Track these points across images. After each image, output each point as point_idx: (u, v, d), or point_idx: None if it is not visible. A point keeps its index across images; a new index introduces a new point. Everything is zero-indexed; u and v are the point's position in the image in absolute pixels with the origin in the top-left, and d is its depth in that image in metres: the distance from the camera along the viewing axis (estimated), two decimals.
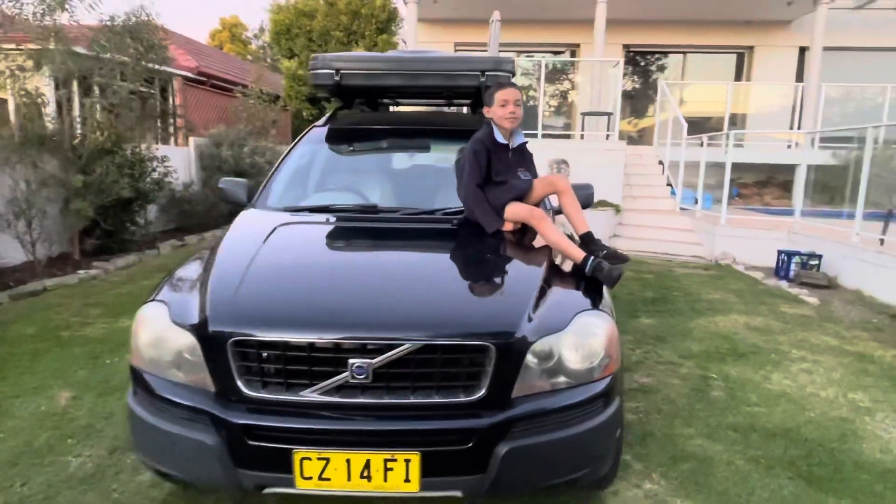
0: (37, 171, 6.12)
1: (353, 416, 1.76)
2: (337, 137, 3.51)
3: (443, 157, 3.45)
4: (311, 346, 1.76)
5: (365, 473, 1.71)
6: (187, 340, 1.85)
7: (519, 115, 2.56)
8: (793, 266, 6.56)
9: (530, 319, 1.84)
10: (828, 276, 6.32)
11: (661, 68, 13.79)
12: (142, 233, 7.52)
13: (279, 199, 3.02)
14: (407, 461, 1.70)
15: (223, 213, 9.68)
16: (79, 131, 6.73)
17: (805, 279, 6.34)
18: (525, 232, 2.58)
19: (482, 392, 1.77)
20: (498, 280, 2.01)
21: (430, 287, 2.01)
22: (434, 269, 2.23)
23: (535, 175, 2.70)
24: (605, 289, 2.23)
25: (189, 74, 12.09)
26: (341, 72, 3.43)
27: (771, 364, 3.99)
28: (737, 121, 12.79)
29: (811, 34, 11.54)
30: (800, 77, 12.79)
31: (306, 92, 14.50)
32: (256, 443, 1.73)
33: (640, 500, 2.44)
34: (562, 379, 1.87)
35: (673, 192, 9.98)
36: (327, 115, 3.75)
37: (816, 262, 6.49)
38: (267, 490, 1.82)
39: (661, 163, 10.72)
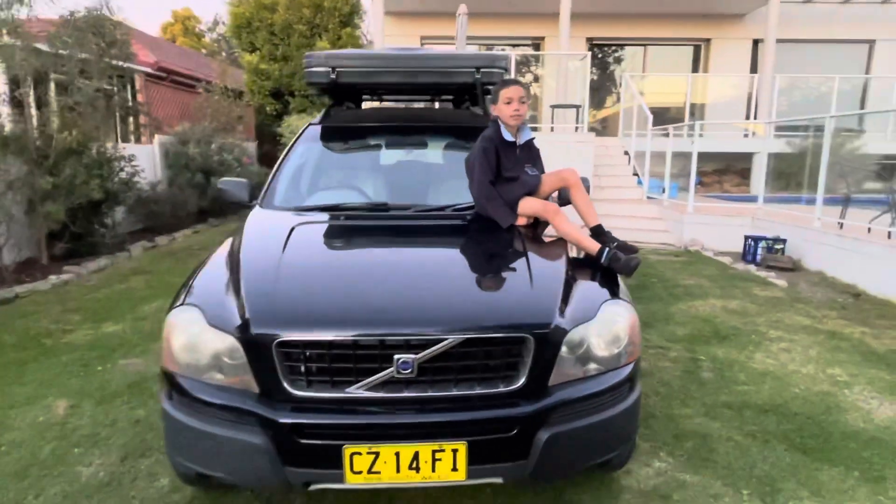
0: (0, 174, 5.87)
1: (399, 409, 1.81)
2: (336, 135, 3.51)
3: (444, 153, 3.50)
4: (356, 344, 1.80)
5: (413, 465, 1.77)
6: (228, 343, 1.86)
7: (523, 112, 2.64)
8: (759, 250, 6.88)
9: (562, 311, 1.93)
10: (792, 260, 6.65)
11: (622, 60, 14.11)
12: (111, 235, 7.30)
13: (286, 198, 3.02)
14: (454, 451, 1.76)
15: (192, 212, 9.48)
16: (42, 131, 6.47)
17: (771, 262, 6.66)
18: (536, 226, 2.67)
19: (521, 382, 1.84)
20: (526, 274, 2.08)
21: (464, 282, 2.07)
22: (461, 264, 2.28)
23: (542, 170, 2.79)
24: (619, 278, 2.34)
25: (149, 70, 11.72)
26: (338, 69, 3.44)
27: (752, 345, 4.20)
28: (696, 111, 13.22)
29: (764, 27, 12.02)
30: (753, 68, 13.30)
31: (269, 87, 14.27)
32: (307, 441, 1.76)
33: (652, 478, 2.57)
34: (592, 366, 1.96)
35: (639, 182, 10.27)
36: (322, 112, 3.74)
37: (781, 246, 6.82)
38: (314, 486, 1.85)
39: (626, 153, 11.01)
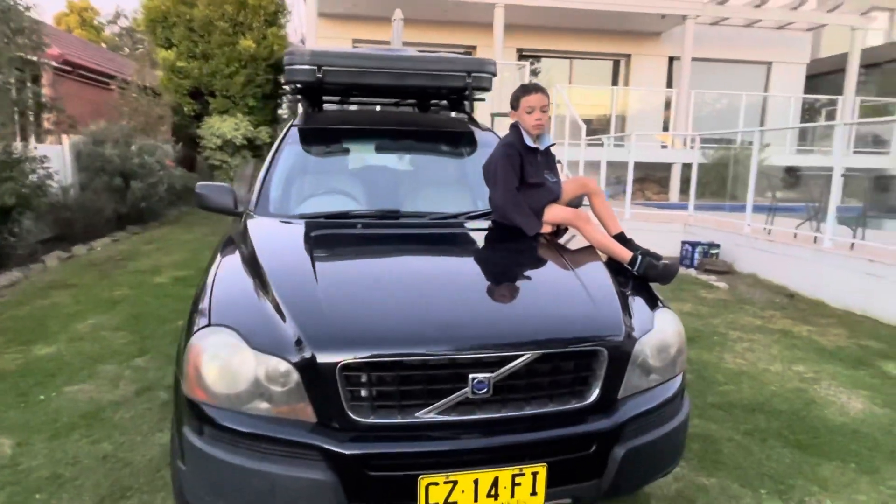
0: None
1: (472, 433, 1.69)
2: (325, 138, 3.31)
3: (436, 158, 3.38)
4: (427, 364, 1.66)
5: (492, 492, 1.65)
6: (279, 368, 1.65)
7: (545, 120, 2.59)
8: (697, 255, 7.28)
9: (626, 322, 1.89)
10: (727, 263, 7.09)
11: (548, 71, 14.55)
12: (22, 245, 6.51)
13: (284, 205, 2.79)
14: (534, 474, 1.66)
15: (109, 219, 8.68)
16: None
17: (708, 266, 7.07)
18: (557, 233, 2.62)
19: (594, 396, 1.78)
20: (580, 285, 2.02)
21: (524, 295, 1.98)
22: (510, 275, 2.19)
23: (558, 176, 2.75)
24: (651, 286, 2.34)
25: (53, 63, 10.65)
26: (324, 68, 3.24)
27: (718, 346, 4.40)
28: (617, 122, 13.87)
29: (678, 45, 12.86)
30: (669, 83, 14.17)
31: (188, 86, 13.41)
32: (377, 473, 1.60)
33: (672, 483, 2.59)
34: (654, 377, 1.93)
35: None
36: (301, 113, 3.51)
37: (716, 251, 7.26)
38: None
39: (559, 162, 11.31)
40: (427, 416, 1.66)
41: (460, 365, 1.67)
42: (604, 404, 1.79)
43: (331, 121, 3.54)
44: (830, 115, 14.72)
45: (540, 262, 2.36)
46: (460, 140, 3.45)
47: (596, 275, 2.14)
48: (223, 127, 13.21)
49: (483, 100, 4.21)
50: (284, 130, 3.34)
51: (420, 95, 3.98)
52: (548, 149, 2.70)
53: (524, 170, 2.54)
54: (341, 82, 3.34)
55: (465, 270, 2.25)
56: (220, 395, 1.71)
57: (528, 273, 2.26)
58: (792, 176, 11.02)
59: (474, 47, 13.25)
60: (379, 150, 3.36)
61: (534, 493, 1.68)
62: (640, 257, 2.35)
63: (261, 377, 1.67)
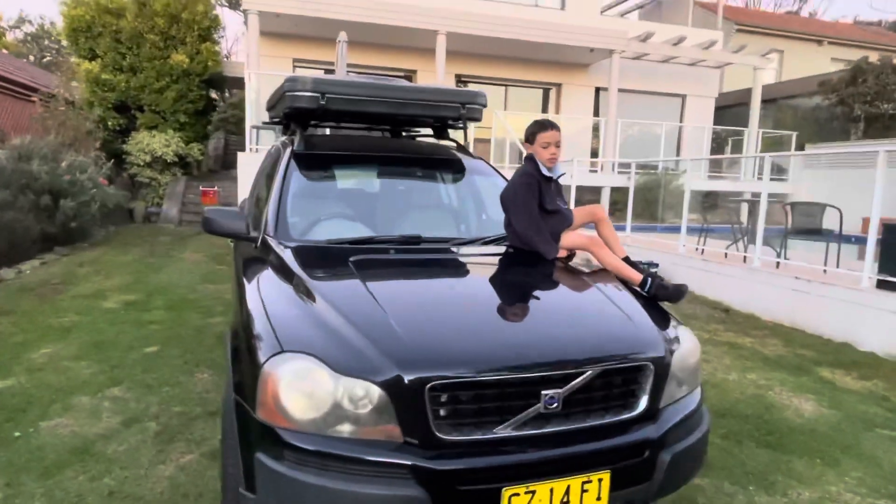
0: None
1: (544, 445, 1.82)
2: (331, 163, 3.36)
3: (439, 184, 3.52)
4: (503, 382, 1.79)
5: (565, 499, 1.79)
6: (367, 391, 1.72)
7: (559, 154, 2.81)
8: None
9: (664, 338, 2.11)
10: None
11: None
12: None
13: (305, 230, 2.82)
14: (600, 480, 1.83)
15: (35, 239, 8.09)
16: None
17: None
18: (568, 257, 2.83)
19: (643, 407, 1.97)
20: (615, 305, 2.23)
21: (575, 315, 2.15)
22: (554, 297, 2.36)
23: (567, 203, 2.96)
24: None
25: None
26: (327, 96, 3.31)
27: None
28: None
29: (605, 76, 13.75)
30: (596, 112, 15.09)
31: (113, 99, 12.76)
32: (466, 487, 1.70)
33: None
34: (684, 388, 2.16)
35: None
36: (297, 137, 3.52)
37: (656, 269, 7.79)
38: None
39: None
40: (504, 431, 1.79)
41: (533, 382, 1.82)
42: (652, 414, 1.99)
43: (331, 146, 3.59)
44: (736, 144, 16.18)
45: (573, 285, 2.55)
46: (457, 167, 3.61)
47: (622, 296, 2.36)
48: (153, 143, 12.68)
49: (464, 128, 4.42)
50: (286, 156, 3.34)
51: (412, 124, 4.11)
52: (559, 177, 2.91)
53: (542, 198, 2.74)
54: (343, 110, 3.42)
55: (510, 292, 2.40)
56: (302, 421, 1.75)
57: (567, 295, 2.44)
58: (710, 200, 12.02)
59: (415, 72, 13.52)
60: (384, 175, 3.46)
61: (599, 497, 1.84)
62: (649, 279, 2.60)
63: (345, 400, 1.74)
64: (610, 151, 13.31)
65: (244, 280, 2.53)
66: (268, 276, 2.39)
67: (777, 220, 8.29)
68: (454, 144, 3.98)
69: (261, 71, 10.59)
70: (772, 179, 14.91)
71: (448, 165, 3.63)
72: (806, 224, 6.36)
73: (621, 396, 1.96)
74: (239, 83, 16.97)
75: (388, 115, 3.66)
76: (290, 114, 3.68)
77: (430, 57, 12.75)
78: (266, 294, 2.21)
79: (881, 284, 5.19)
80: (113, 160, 10.92)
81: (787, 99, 17.42)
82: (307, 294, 2.12)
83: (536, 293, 2.44)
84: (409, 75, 13.67)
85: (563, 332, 2.00)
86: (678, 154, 15.45)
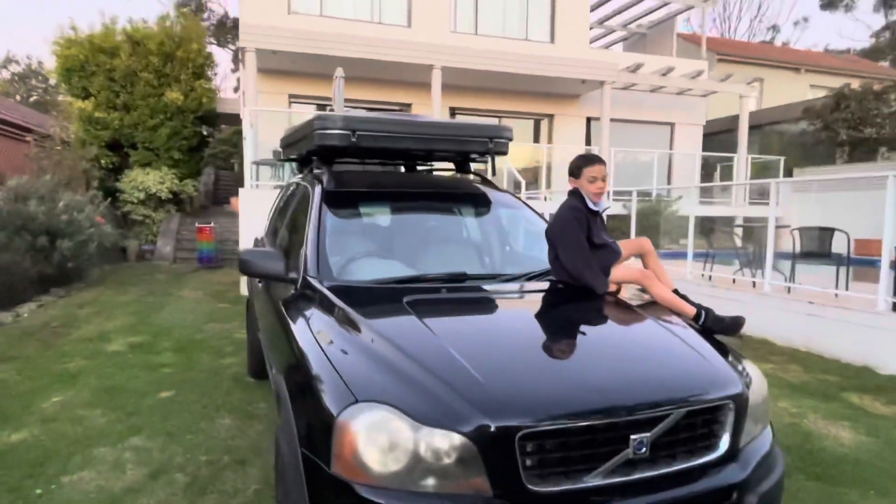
0: None
1: (633, 493, 1.75)
2: (364, 200, 3.32)
3: (473, 219, 3.48)
4: (592, 428, 1.72)
5: None
6: (453, 442, 1.64)
7: (606, 187, 2.79)
8: None
9: (740, 375, 2.06)
10: None
11: None
12: None
13: (346, 270, 2.75)
14: None
15: (32, 280, 7.89)
16: None
17: None
18: (616, 291, 2.78)
19: (725, 448, 1.91)
20: (683, 342, 2.18)
21: (648, 354, 2.10)
22: (623, 335, 2.30)
23: (611, 237, 2.94)
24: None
25: None
26: (358, 133, 3.29)
27: None
28: (545, 176, 14.67)
29: (597, 106, 13.98)
30: (588, 141, 15.28)
31: (106, 137, 12.69)
32: None
33: None
34: (759, 425, 2.10)
35: None
36: (326, 175, 3.47)
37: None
38: None
39: None
40: (594, 479, 1.71)
41: (620, 427, 1.75)
42: (731, 454, 1.92)
43: (361, 183, 3.55)
44: (725, 170, 16.44)
45: (636, 322, 2.49)
46: (486, 201, 3.58)
47: (689, 333, 2.31)
48: (147, 180, 12.59)
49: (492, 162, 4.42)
50: (312, 192, 3.28)
51: (436, 159, 4.10)
52: (603, 211, 2.89)
53: (590, 232, 2.71)
54: (374, 147, 3.39)
55: (578, 331, 2.35)
56: (383, 475, 1.66)
57: (635, 333, 2.38)
58: (708, 225, 12.14)
59: (410, 105, 13.64)
60: (418, 211, 3.41)
61: None
62: (703, 312, 2.56)
63: (427, 452, 1.65)
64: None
65: (291, 324, 2.45)
66: (321, 319, 2.31)
67: (777, 245, 8.37)
68: (479, 178, 3.96)
69: (259, 107, 10.58)
70: (761, 204, 15.21)
71: (478, 199, 3.60)
72: (814, 248, 6.41)
73: (704, 437, 1.90)
74: (230, 119, 17.02)
75: (417, 151, 3.64)
76: (317, 151, 3.66)
77: (424, 90, 12.87)
78: (324, 339, 2.13)
79: None
80: (109, 199, 10.79)
81: (771, 125, 17.83)
82: (369, 338, 2.05)
83: (604, 332, 2.39)
84: (404, 108, 13.79)
85: (645, 374, 1.95)
86: (669, 181, 15.66)
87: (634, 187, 12.34)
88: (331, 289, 2.50)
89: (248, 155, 9.39)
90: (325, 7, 13.01)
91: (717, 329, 2.54)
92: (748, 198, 14.83)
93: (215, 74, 14.53)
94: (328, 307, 2.37)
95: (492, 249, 3.29)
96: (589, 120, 15.27)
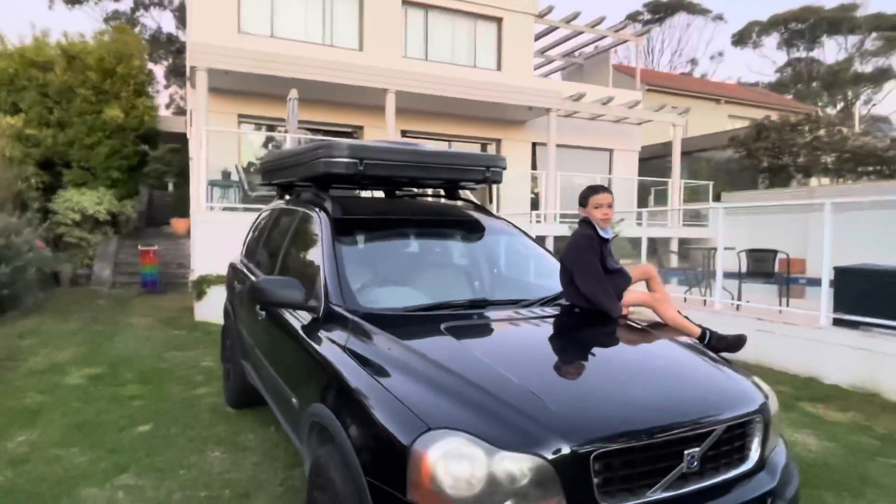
0: None
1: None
2: (373, 227, 3.36)
3: (476, 245, 3.59)
4: (653, 445, 1.85)
5: None
6: (532, 465, 1.71)
7: (611, 214, 2.98)
8: None
9: (762, 389, 2.26)
10: None
11: None
12: None
13: (370, 297, 2.77)
14: None
15: None
16: None
17: None
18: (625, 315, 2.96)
19: (756, 458, 2.09)
20: (707, 359, 2.36)
21: (685, 372, 2.26)
22: (651, 355, 2.45)
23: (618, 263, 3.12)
24: None
25: None
26: (365, 161, 3.35)
27: None
28: (495, 196, 15.03)
29: (542, 132, 14.55)
30: (534, 165, 15.82)
31: (38, 155, 11.95)
32: None
33: None
34: (776, 436, 2.31)
35: None
36: (330, 202, 3.48)
37: None
38: None
39: None
40: (656, 494, 1.84)
41: (676, 443, 1.89)
42: (762, 464, 2.11)
43: (366, 211, 3.59)
44: (659, 194, 17.42)
45: (659, 343, 2.64)
46: (485, 227, 3.71)
47: (705, 351, 2.51)
48: (83, 200, 11.94)
49: (475, 189, 4.56)
50: (316, 219, 3.28)
51: (431, 186, 4.19)
52: (610, 239, 3.08)
53: (603, 258, 2.89)
54: (379, 175, 3.45)
55: (614, 354, 2.49)
56: (463, 499, 1.71)
57: (662, 353, 2.52)
58: (652, 246, 12.79)
59: (361, 128, 13.68)
60: (426, 237, 3.48)
61: None
62: (707, 332, 2.77)
63: (506, 476, 1.72)
64: (552, 203, 13.92)
65: (323, 353, 2.46)
66: (362, 347, 2.33)
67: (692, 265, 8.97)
68: (472, 205, 4.08)
69: (215, 127, 10.31)
70: (693, 225, 16.21)
71: (479, 226, 3.71)
72: (759, 268, 6.94)
73: (738, 450, 2.07)
74: (168, 137, 16.44)
75: (420, 179, 3.73)
76: (314, 178, 3.67)
77: (375, 113, 12.96)
78: (373, 368, 2.16)
79: (837, 322, 5.73)
80: (48, 220, 10.15)
81: (699, 152, 19.09)
82: (421, 365, 2.10)
83: (636, 353, 2.54)
84: (356, 131, 13.82)
85: (689, 393, 2.10)
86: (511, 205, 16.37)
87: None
88: (364, 317, 2.52)
89: (202, 175, 9.12)
90: (276, 28, 12.93)
91: (721, 347, 2.76)
92: (682, 220, 15.76)
93: (157, 92, 14.02)
94: (366, 335, 2.39)
95: (501, 275, 3.41)
96: (534, 145, 15.83)
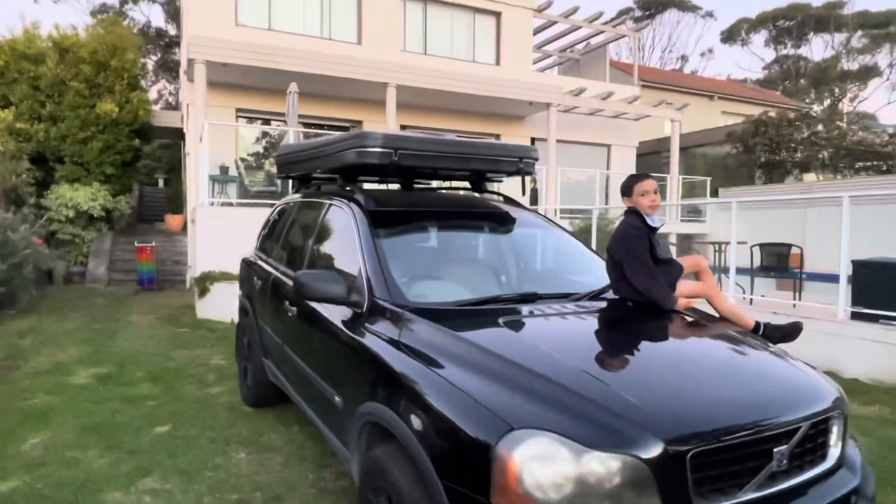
0: None
1: (779, 503, 1.81)
2: (412, 220, 3.25)
3: (515, 238, 3.49)
4: (746, 444, 1.77)
5: None
6: (627, 465, 1.62)
7: (658, 201, 2.89)
8: None
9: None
10: None
11: None
12: None
13: (417, 292, 2.65)
14: None
15: None
16: None
17: None
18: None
19: (837, 455, 2.01)
20: (777, 354, 2.29)
21: (765, 368, 2.18)
22: (723, 350, 2.37)
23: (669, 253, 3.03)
24: None
25: None
26: (400, 152, 3.23)
27: None
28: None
29: (541, 127, 14.48)
30: None
31: (30, 150, 11.67)
32: None
33: None
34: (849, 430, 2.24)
35: None
36: (360, 195, 3.36)
37: None
38: None
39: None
40: (746, 494, 1.76)
41: (765, 441, 1.81)
42: (842, 461, 2.03)
43: (400, 203, 3.47)
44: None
45: (724, 337, 2.53)
46: (520, 220, 3.60)
47: (766, 345, 2.43)
48: (77, 196, 11.69)
49: (500, 181, 4.47)
50: (349, 211, 3.17)
51: (460, 178, 4.08)
52: (658, 228, 2.99)
53: (653, 248, 2.80)
54: (413, 165, 3.34)
55: (684, 349, 2.40)
56: (552, 502, 1.62)
57: (732, 348, 2.43)
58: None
59: (360, 122, 13.50)
60: (464, 230, 3.38)
61: None
62: (762, 323, 2.70)
63: (597, 477, 1.63)
64: (552, 198, 13.86)
65: (374, 349, 2.35)
66: (420, 342, 2.21)
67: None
68: (502, 198, 3.98)
69: (216, 121, 10.10)
70: (692, 221, 16.25)
71: (512, 219, 3.61)
72: (773, 263, 6.91)
73: (821, 447, 2.00)
74: (161, 132, 16.16)
75: (454, 170, 3.63)
76: (342, 169, 3.56)
77: (374, 108, 12.83)
78: (439, 365, 2.05)
79: (855, 316, 5.71)
80: (44, 216, 9.90)
81: (695, 147, 19.13)
82: (491, 362, 2.00)
83: (704, 348, 2.44)
84: (355, 125, 13.64)
85: (773, 390, 2.03)
86: (607, 199, 16.38)
87: (577, 205, 12.87)
88: (416, 312, 2.41)
89: (204, 170, 8.92)
90: (273, 21, 12.72)
91: (777, 337, 2.68)
92: (680, 216, 15.77)
93: (149, 86, 13.76)
94: (422, 331, 2.28)
95: (544, 269, 3.31)
96: (533, 140, 15.73)
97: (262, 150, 13.10)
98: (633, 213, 2.90)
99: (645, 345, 2.46)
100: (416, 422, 1.95)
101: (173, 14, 28.88)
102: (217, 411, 4.47)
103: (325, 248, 3.45)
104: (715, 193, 16.40)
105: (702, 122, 21.74)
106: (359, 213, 3.14)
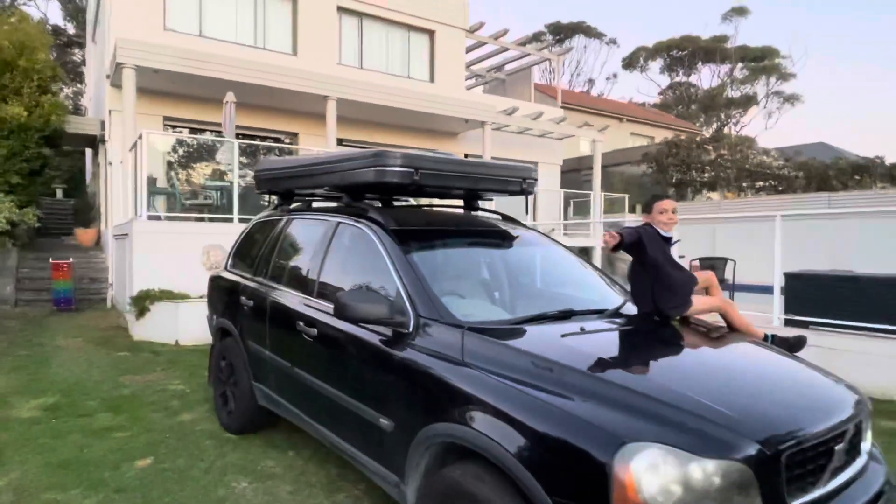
0: None
1: (841, 495, 2.02)
2: (437, 239, 3.27)
3: (538, 257, 3.61)
4: (821, 443, 1.97)
5: None
6: (729, 469, 1.75)
7: (676, 219, 3.12)
8: None
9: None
10: None
11: None
12: None
13: (461, 311, 2.67)
14: None
15: None
16: None
17: None
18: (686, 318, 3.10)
19: (867, 449, 2.27)
20: (804, 363, 2.54)
21: (802, 374, 2.41)
22: (765, 358, 2.58)
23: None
24: None
25: None
26: (421, 171, 3.27)
27: None
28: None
29: (475, 144, 14.86)
30: None
31: None
32: None
33: None
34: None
35: None
36: (378, 214, 3.33)
37: None
38: None
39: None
40: (818, 489, 1.95)
41: (831, 440, 2.02)
42: (870, 458, 2.30)
43: (418, 222, 3.48)
44: (578, 206, 18.34)
45: (757, 348, 2.73)
46: (530, 239, 3.74)
47: (792, 354, 2.69)
48: None
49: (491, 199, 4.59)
50: (368, 230, 3.16)
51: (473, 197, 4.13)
52: (673, 242, 3.20)
53: (666, 253, 3.02)
54: (430, 184, 3.38)
55: (735, 358, 2.61)
56: None
57: (773, 358, 2.63)
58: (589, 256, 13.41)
59: (296, 134, 13.21)
60: (480, 247, 3.45)
61: None
62: (769, 335, 2.98)
63: (707, 482, 1.75)
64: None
65: (436, 371, 2.37)
66: (493, 362, 2.24)
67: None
68: (500, 217, 4.09)
69: (151, 130, 9.46)
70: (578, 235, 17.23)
71: (520, 238, 3.72)
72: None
73: (858, 444, 2.25)
74: (71, 139, 14.93)
75: (468, 190, 3.72)
76: (348, 188, 3.56)
77: (312, 120, 12.65)
78: (525, 384, 2.09)
79: (788, 323, 6.34)
80: None
81: (612, 166, 20.34)
82: (580, 379, 2.08)
83: (752, 358, 2.62)
84: (291, 138, 13.32)
85: (827, 394, 2.27)
86: (534, 216, 17.02)
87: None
88: (476, 330, 2.45)
89: (142, 182, 8.35)
90: (204, 27, 12.21)
91: (784, 348, 2.96)
92: (603, 231, 16.67)
93: (61, 89, 12.69)
94: (491, 349, 2.32)
95: (566, 286, 3.43)
96: (466, 156, 16.08)
97: (194, 163, 12.42)
98: (648, 227, 3.11)
99: (698, 356, 2.64)
100: (513, 442, 1.98)
101: (73, 12, 26.84)
102: (198, 439, 4.21)
103: (343, 268, 3.40)
104: (633, 210, 17.51)
105: (613, 143, 23.16)
106: (382, 233, 3.12)
